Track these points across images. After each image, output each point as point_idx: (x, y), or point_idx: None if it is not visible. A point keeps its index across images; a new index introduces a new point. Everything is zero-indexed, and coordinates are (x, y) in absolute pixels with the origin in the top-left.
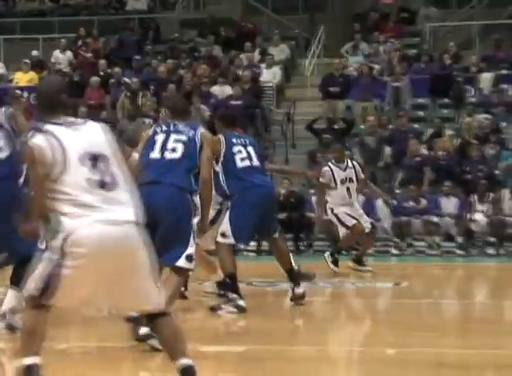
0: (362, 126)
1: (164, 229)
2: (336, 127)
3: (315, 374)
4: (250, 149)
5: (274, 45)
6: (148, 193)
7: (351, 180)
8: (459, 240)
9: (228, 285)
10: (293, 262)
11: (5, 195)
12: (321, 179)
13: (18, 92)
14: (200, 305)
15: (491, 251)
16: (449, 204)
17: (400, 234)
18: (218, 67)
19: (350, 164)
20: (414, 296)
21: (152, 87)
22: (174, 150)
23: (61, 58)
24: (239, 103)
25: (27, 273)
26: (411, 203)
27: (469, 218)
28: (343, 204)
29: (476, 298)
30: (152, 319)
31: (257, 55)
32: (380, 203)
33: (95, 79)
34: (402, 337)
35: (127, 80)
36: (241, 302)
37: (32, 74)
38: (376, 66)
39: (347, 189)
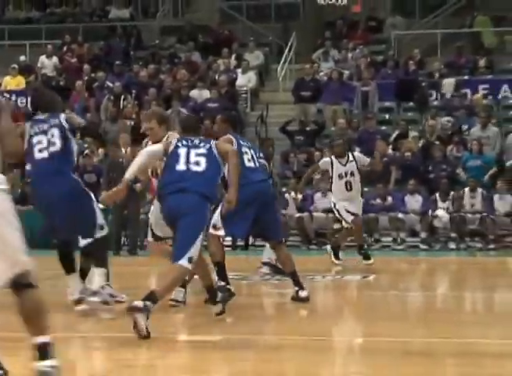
0: (333, 128)
1: (179, 229)
2: (308, 129)
3: (287, 361)
4: (252, 151)
5: (249, 51)
6: (174, 198)
7: (352, 174)
8: (423, 235)
9: (217, 272)
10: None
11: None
12: (320, 164)
13: (6, 95)
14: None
15: (452, 245)
16: (414, 202)
17: (368, 230)
18: (196, 72)
19: (351, 157)
20: (381, 288)
21: (134, 91)
22: (197, 163)
23: (47, 63)
24: (216, 105)
25: None
26: (378, 200)
27: (432, 215)
28: (342, 198)
29: (439, 290)
30: (17, 288)
31: (233, 60)
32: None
33: (79, 83)
34: (370, 327)
35: (110, 84)
36: (229, 287)
37: (20, 79)
38: (346, 72)
39: (347, 183)
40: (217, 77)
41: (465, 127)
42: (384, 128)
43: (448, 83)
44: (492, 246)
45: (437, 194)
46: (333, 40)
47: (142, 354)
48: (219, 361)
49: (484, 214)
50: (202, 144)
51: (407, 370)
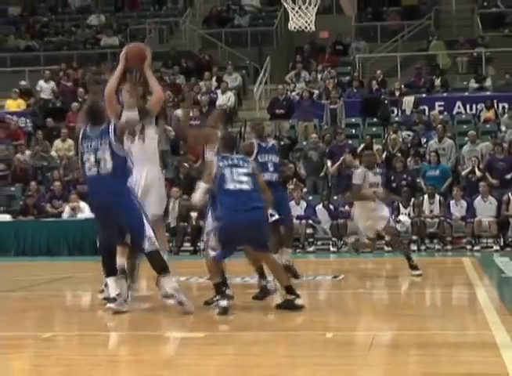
0: (304, 142)
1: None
2: (282, 143)
3: (265, 354)
4: None
5: (228, 73)
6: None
7: (377, 185)
8: (387, 238)
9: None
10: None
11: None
12: (354, 181)
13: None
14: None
15: (414, 247)
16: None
17: (337, 234)
18: (180, 93)
19: (379, 170)
20: (350, 287)
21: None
22: (242, 182)
23: (45, 87)
24: (198, 123)
25: None
26: (346, 207)
27: (395, 220)
28: (367, 207)
29: (402, 288)
30: None
31: (213, 82)
32: (320, 207)
33: (75, 105)
34: (340, 322)
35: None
36: (228, 291)
37: (20, 101)
38: (316, 91)
39: (374, 193)
40: (199, 98)
41: (423, 140)
42: (350, 141)
43: (408, 100)
44: (449, 247)
45: (398, 202)
46: (303, 63)
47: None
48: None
49: (442, 218)
50: (240, 161)
51: (373, 360)
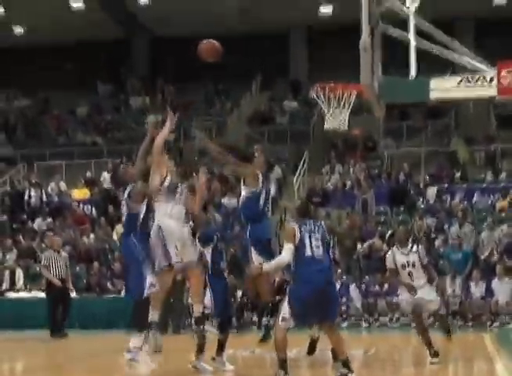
0: (338, 228)
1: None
2: None
3: None
4: None
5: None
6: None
7: (413, 265)
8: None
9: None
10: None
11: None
12: (388, 265)
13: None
14: None
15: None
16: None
17: (368, 311)
18: (227, 184)
19: (414, 248)
20: (379, 360)
21: None
22: (318, 247)
23: (108, 178)
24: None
25: None
26: (377, 287)
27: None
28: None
29: (426, 363)
30: None
31: None
32: (353, 287)
33: None
34: None
35: None
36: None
37: (85, 190)
38: (348, 183)
39: (409, 273)
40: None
41: (446, 226)
42: (380, 228)
43: (431, 191)
44: (469, 323)
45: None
46: (337, 157)
47: None
48: None
49: (463, 297)
50: (315, 227)
51: None
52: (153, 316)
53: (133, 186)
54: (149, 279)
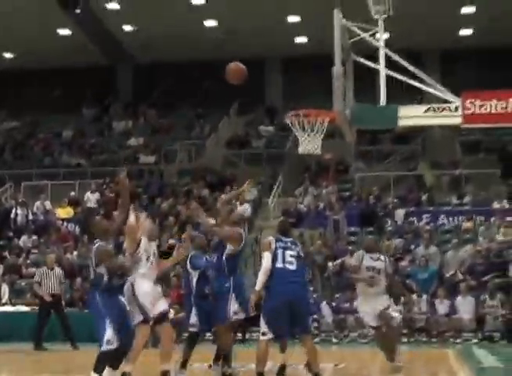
0: (311, 248)
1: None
2: None
3: None
4: None
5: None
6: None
7: (378, 272)
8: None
9: None
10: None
11: None
12: (351, 261)
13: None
14: None
15: (404, 339)
16: None
17: (339, 328)
18: (205, 204)
19: (382, 257)
20: (348, 374)
21: (157, 219)
22: (291, 263)
23: (91, 197)
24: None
25: None
26: (347, 304)
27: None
28: (363, 291)
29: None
30: None
31: None
32: (324, 304)
33: (116, 213)
34: None
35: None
36: None
37: (69, 209)
38: (321, 204)
39: (371, 278)
40: (218, 206)
41: (413, 247)
42: (350, 247)
43: (400, 213)
44: (434, 340)
45: (391, 299)
46: (310, 179)
47: None
48: None
49: (429, 315)
50: (292, 246)
51: None
52: (127, 367)
53: (98, 245)
54: (107, 336)
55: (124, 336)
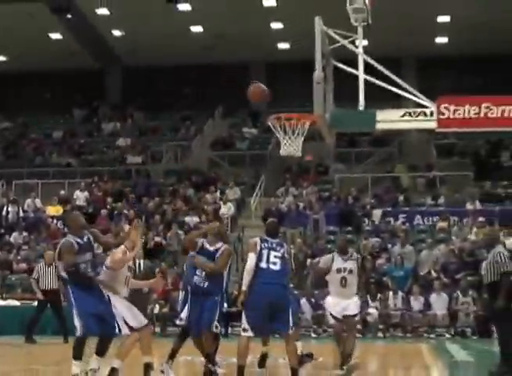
0: (292, 246)
1: (275, 309)
2: None
3: None
4: None
5: (229, 188)
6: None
7: (350, 271)
8: (359, 326)
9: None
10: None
11: None
12: (320, 264)
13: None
14: None
15: (380, 334)
16: None
17: (317, 323)
18: (190, 204)
19: (354, 255)
20: (327, 367)
21: (144, 216)
22: (275, 263)
23: (80, 196)
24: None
25: None
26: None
27: (365, 312)
28: (336, 292)
29: (368, 369)
30: None
31: (217, 195)
32: (304, 300)
33: (104, 211)
34: None
35: (126, 212)
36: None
37: (59, 207)
38: (301, 204)
39: (343, 278)
40: (205, 207)
41: (389, 245)
42: (329, 246)
43: (377, 213)
44: (409, 335)
45: (368, 296)
46: (291, 180)
47: None
48: None
49: (404, 311)
50: (278, 247)
51: None
52: (115, 363)
53: (65, 239)
54: (77, 324)
55: (100, 325)
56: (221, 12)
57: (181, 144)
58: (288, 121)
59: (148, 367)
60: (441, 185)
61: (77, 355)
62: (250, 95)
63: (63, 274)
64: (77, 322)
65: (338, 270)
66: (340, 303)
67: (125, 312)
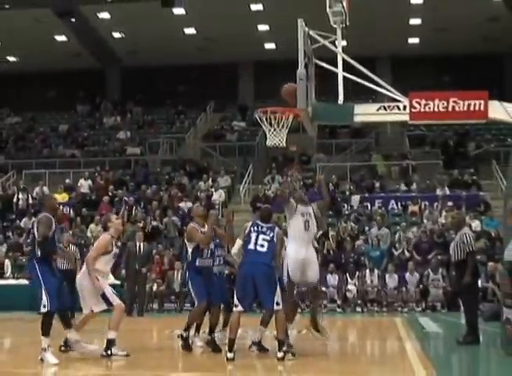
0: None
1: (260, 286)
2: None
3: None
4: None
5: (221, 176)
6: (251, 268)
7: (309, 215)
8: (339, 302)
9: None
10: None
11: None
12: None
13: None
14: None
15: (359, 309)
16: (333, 279)
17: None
18: (185, 191)
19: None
20: (309, 339)
21: (142, 203)
22: (262, 245)
23: (84, 184)
24: None
25: None
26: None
27: (345, 289)
28: (299, 237)
29: (348, 341)
30: None
31: (210, 183)
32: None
33: (106, 198)
34: (296, 365)
35: (126, 198)
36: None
37: (65, 195)
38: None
39: (306, 222)
40: (199, 194)
41: (367, 228)
42: None
43: (355, 198)
44: (384, 309)
45: (347, 274)
46: (277, 169)
47: None
48: None
49: (380, 288)
50: (268, 231)
51: None
52: (110, 334)
53: (44, 214)
54: (43, 301)
55: (61, 300)
56: (213, 16)
57: (176, 136)
58: (273, 115)
59: (109, 343)
60: (414, 172)
61: (47, 331)
62: (284, 94)
63: (35, 251)
64: (44, 298)
65: (302, 214)
66: (302, 278)
67: (109, 290)
